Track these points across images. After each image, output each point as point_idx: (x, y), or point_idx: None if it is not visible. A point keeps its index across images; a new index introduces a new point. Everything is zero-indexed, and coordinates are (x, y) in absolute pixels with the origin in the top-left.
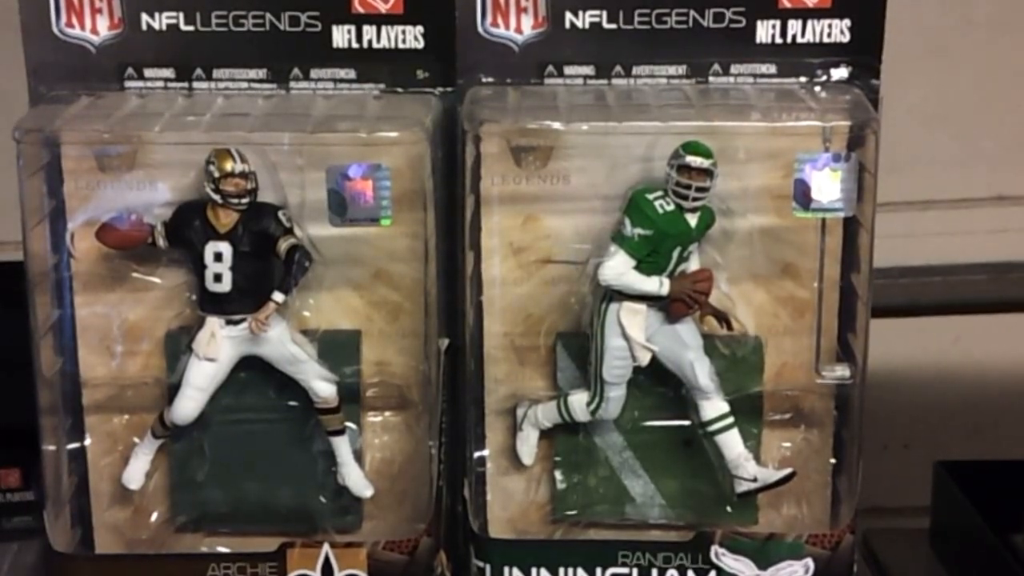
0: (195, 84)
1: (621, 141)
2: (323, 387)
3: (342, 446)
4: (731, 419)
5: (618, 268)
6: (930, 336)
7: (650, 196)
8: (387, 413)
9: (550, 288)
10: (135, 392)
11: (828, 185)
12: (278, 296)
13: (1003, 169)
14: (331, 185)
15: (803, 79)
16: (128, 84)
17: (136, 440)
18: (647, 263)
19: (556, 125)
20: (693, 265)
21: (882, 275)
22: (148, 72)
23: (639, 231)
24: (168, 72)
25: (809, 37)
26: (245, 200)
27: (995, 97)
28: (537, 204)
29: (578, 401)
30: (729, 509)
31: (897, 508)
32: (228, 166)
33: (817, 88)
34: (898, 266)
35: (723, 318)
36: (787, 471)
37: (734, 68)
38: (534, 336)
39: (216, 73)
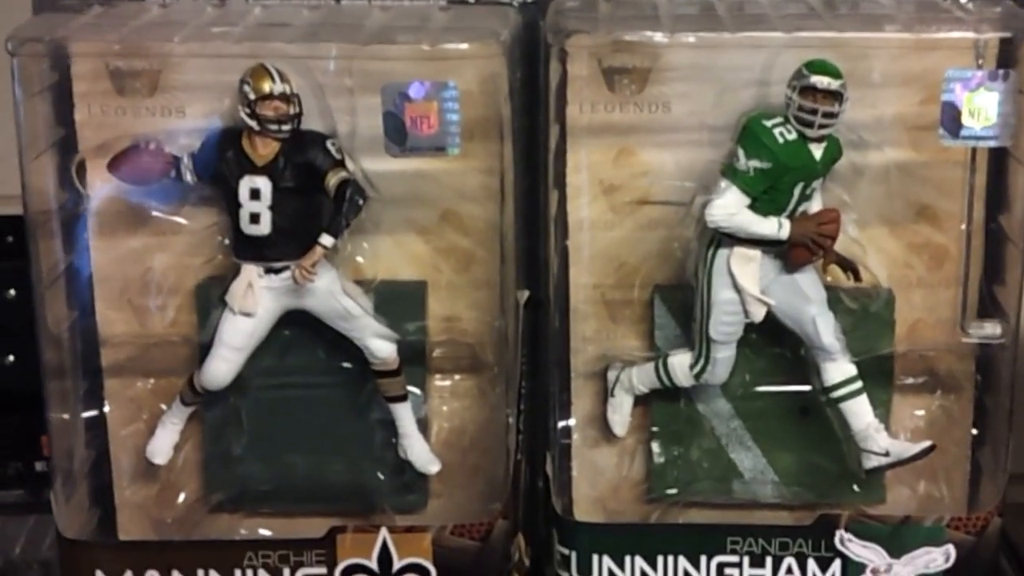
0: None
1: (731, 60)
2: (381, 346)
3: (404, 414)
4: (859, 383)
5: (730, 207)
6: None
7: (768, 123)
8: (457, 376)
9: (647, 233)
10: (161, 352)
11: (983, 108)
12: (326, 240)
13: None
14: (388, 107)
15: None
16: None
17: (163, 407)
18: (764, 202)
19: (657, 37)
20: (816, 205)
21: None
22: None
23: (755, 163)
24: None
25: None
26: (287, 127)
27: None
28: (632, 135)
29: (680, 363)
30: (856, 488)
31: None
32: (266, 86)
33: None
34: None
35: (850, 267)
36: (925, 444)
37: None
38: (628, 288)
39: None
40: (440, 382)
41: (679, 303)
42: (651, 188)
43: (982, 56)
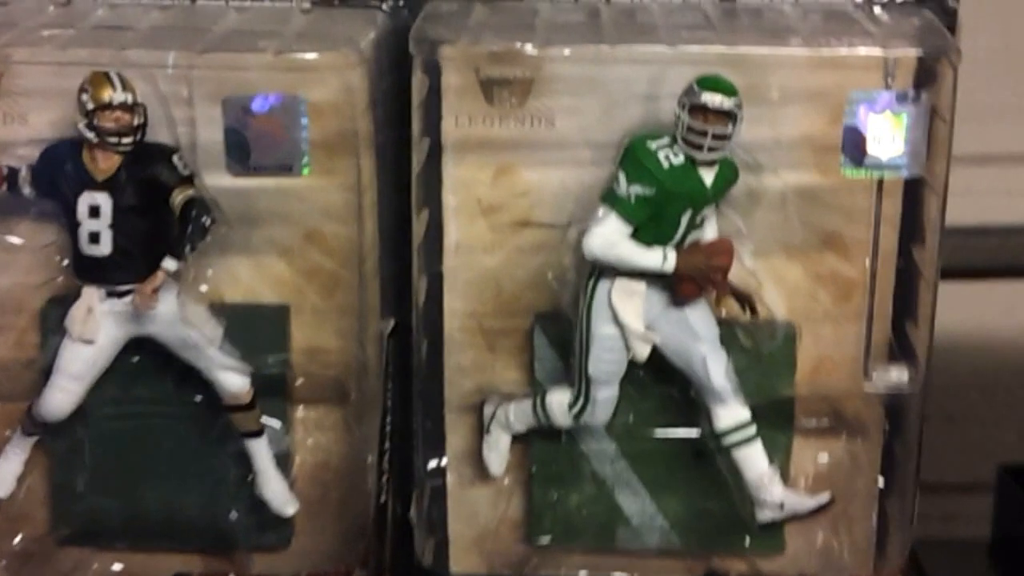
0: None
1: (620, 73)
2: (231, 380)
3: (259, 450)
4: (752, 429)
5: (608, 236)
6: None
7: (652, 144)
8: (322, 408)
9: (528, 257)
10: (6, 376)
11: (889, 134)
12: (169, 263)
13: None
14: (230, 122)
15: None
16: None
17: (8, 433)
18: (647, 230)
19: (530, 49)
20: (709, 234)
21: None
22: None
23: (637, 189)
24: None
25: None
26: (128, 139)
27: None
28: (513, 152)
29: (558, 401)
30: (751, 537)
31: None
32: (105, 95)
33: (877, 8)
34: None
35: (746, 301)
36: (823, 498)
37: None
38: (507, 317)
39: None
40: (304, 413)
41: (562, 334)
42: (533, 209)
43: (892, 74)
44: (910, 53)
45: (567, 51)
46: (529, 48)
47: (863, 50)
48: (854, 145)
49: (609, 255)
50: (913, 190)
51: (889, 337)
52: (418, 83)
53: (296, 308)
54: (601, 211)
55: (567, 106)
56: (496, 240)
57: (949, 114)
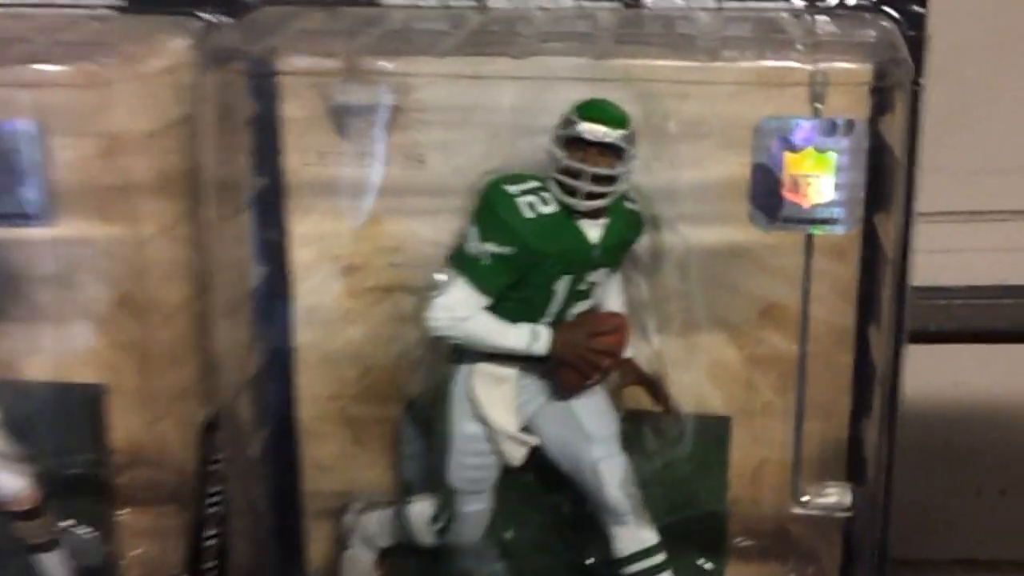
0: None
1: (504, 97)
2: (6, 481)
3: (52, 567)
4: (659, 557)
5: (456, 309)
6: None
7: (513, 189)
8: (152, 511)
9: (399, 329)
10: None
11: (813, 175)
12: None
13: None
14: None
15: (800, 2)
16: None
17: None
18: (512, 301)
19: (390, 64)
20: (612, 304)
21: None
22: None
23: (493, 248)
24: None
25: None
26: None
27: None
28: (376, 199)
29: (420, 514)
30: None
31: (991, 561)
32: None
33: (822, 17)
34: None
35: (657, 391)
36: None
37: None
38: (375, 402)
39: None
40: (128, 518)
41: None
42: (403, 269)
43: (820, 96)
44: (843, 67)
45: (436, 66)
46: (388, 64)
47: (775, 63)
48: (765, 191)
49: (460, 332)
50: (872, 253)
51: (844, 434)
52: (227, 105)
53: (115, 389)
54: (448, 276)
55: (440, 140)
56: (359, 308)
57: (906, 150)
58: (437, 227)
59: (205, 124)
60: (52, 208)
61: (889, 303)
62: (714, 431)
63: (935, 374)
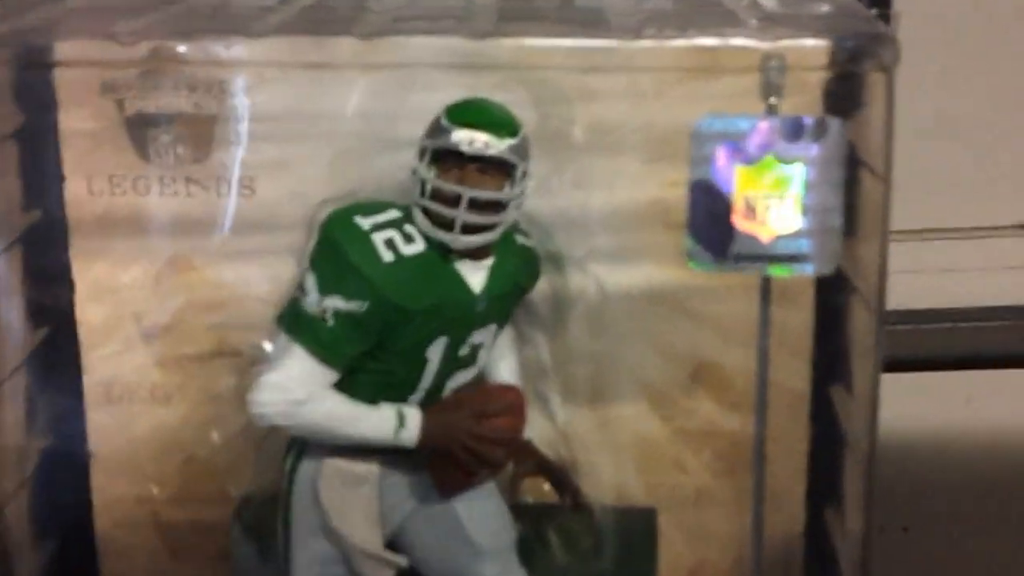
0: None
1: (343, 98)
2: None
3: None
4: None
5: (291, 389)
6: (936, 395)
7: (365, 223)
8: None
9: (226, 409)
10: None
11: (773, 197)
12: None
13: None
14: None
15: None
16: None
17: None
18: (370, 374)
19: (204, 49)
20: (503, 371)
21: None
22: None
23: (338, 304)
24: None
25: None
26: None
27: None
28: (190, 238)
29: None
30: None
31: None
32: None
33: None
34: (896, 309)
35: (564, 483)
36: None
37: None
38: (199, 505)
39: None
40: None
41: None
42: (228, 330)
43: (776, 86)
44: (805, 46)
45: (260, 51)
46: (200, 48)
47: (713, 42)
48: (709, 219)
49: (296, 421)
50: (833, 293)
51: (799, 528)
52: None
53: None
54: (280, 343)
55: (273, 160)
56: (172, 383)
57: (884, 158)
58: (271, 274)
59: None
60: None
61: (863, 355)
62: (638, 527)
63: None
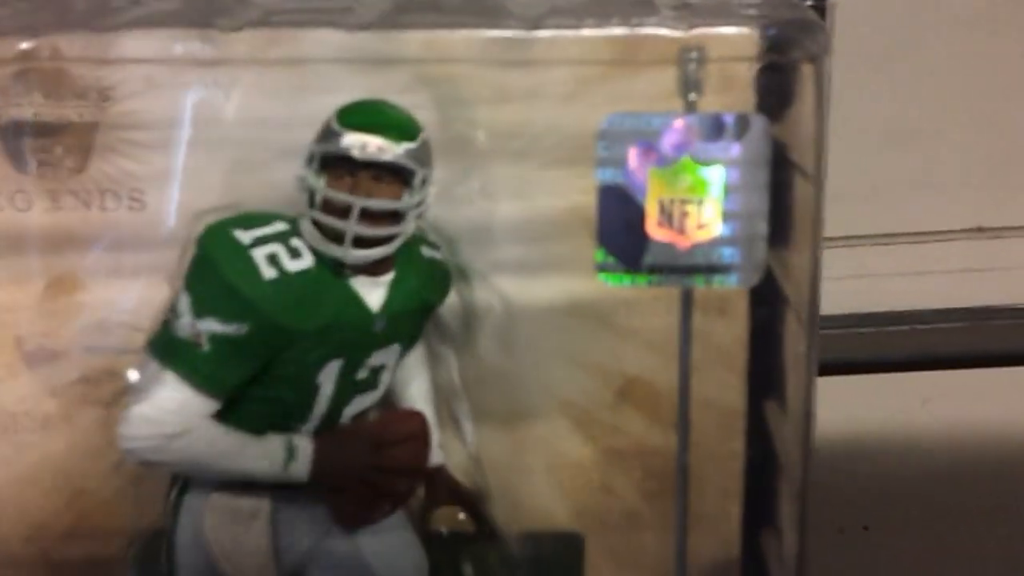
0: None
1: (232, 102)
2: None
3: None
4: None
5: (163, 421)
6: (895, 396)
7: (246, 236)
8: None
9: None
10: None
11: (691, 201)
12: None
13: (983, 195)
14: None
15: None
16: None
17: None
18: (257, 402)
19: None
20: (414, 393)
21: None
22: None
23: (214, 326)
24: None
25: None
26: None
27: (973, 107)
28: (75, 255)
29: None
30: None
31: None
32: None
33: None
34: (855, 313)
35: (474, 507)
36: None
37: None
38: (93, 541)
39: None
40: None
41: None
42: (119, 352)
43: (694, 82)
44: (732, 36)
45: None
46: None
47: (625, 31)
48: (620, 226)
49: (170, 457)
50: (768, 304)
51: (734, 553)
52: None
53: None
54: (150, 371)
55: (161, 169)
56: (60, 411)
57: (814, 158)
58: (158, 295)
59: None
60: None
61: (796, 370)
62: (562, 554)
63: None
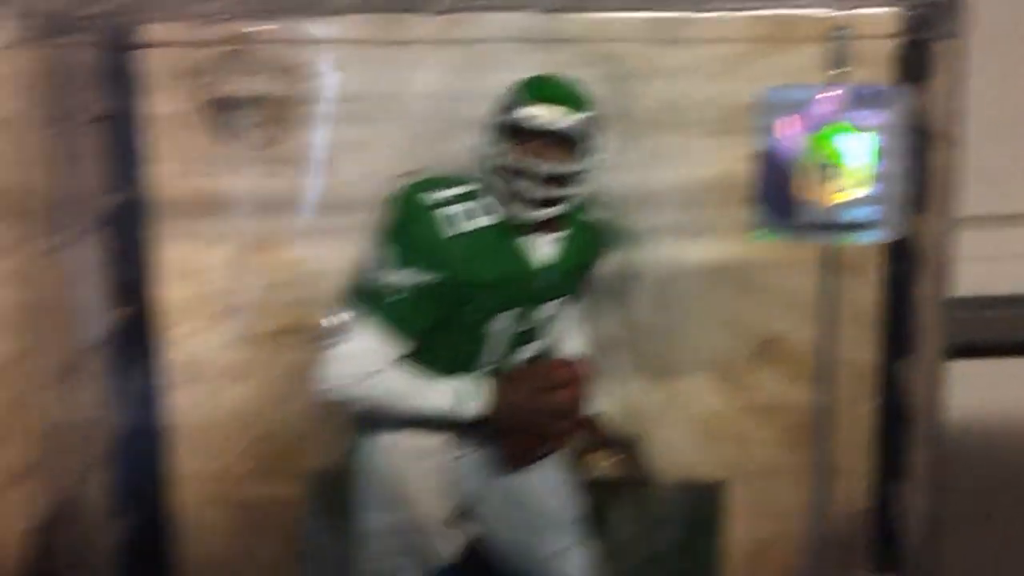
0: None
1: (433, 78)
2: None
3: None
4: None
5: (359, 363)
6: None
7: (434, 197)
8: None
9: (302, 384)
10: None
11: (838, 166)
12: None
13: None
14: None
15: None
16: None
17: None
18: (436, 349)
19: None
20: (570, 345)
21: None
22: None
23: (409, 277)
24: None
25: None
26: None
27: None
28: (269, 219)
29: None
30: None
31: None
32: None
33: None
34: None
35: (627, 453)
36: None
37: None
38: (273, 481)
39: None
40: None
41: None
42: (305, 308)
43: (841, 54)
44: (877, 15)
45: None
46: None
47: (780, 11)
48: (773, 188)
49: (363, 395)
50: (900, 264)
51: (863, 508)
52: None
53: None
54: (347, 318)
55: (351, 140)
56: (248, 360)
57: (955, 127)
58: (346, 253)
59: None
60: None
61: (929, 330)
62: (705, 502)
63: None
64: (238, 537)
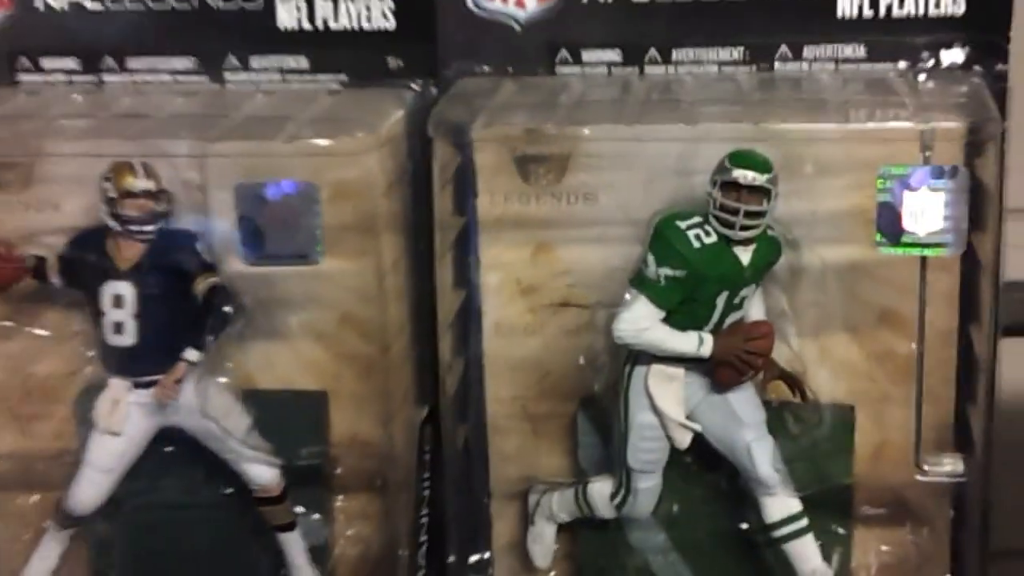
0: (105, 76)
1: (658, 148)
2: (259, 472)
3: (292, 545)
4: (803, 522)
5: (638, 321)
6: None
7: (682, 224)
8: (363, 497)
9: (571, 339)
10: (46, 466)
11: (927, 210)
12: (191, 354)
13: None
14: (243, 211)
15: (902, 64)
16: (22, 77)
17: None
18: (681, 314)
19: (561, 130)
20: (754, 314)
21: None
22: (45, 63)
23: (667, 271)
24: (70, 62)
25: (910, 9)
26: (150, 227)
27: None
28: (551, 230)
29: (599, 491)
30: None
31: None
32: (127, 182)
33: (922, 77)
34: None
35: (795, 384)
36: None
37: (808, 51)
38: (552, 400)
39: (131, 63)
40: (343, 503)
41: (606, 420)
42: (574, 289)
43: (929, 147)
44: (949, 125)
45: (597, 130)
46: (559, 129)
47: (894, 124)
48: (890, 222)
49: (641, 340)
50: (971, 265)
51: (950, 420)
52: (444, 162)
53: (333, 394)
54: (631, 295)
55: (605, 182)
56: (536, 321)
57: (996, 184)
58: (604, 254)
59: (416, 173)
60: (319, 249)
61: (987, 306)
62: (842, 417)
63: None
64: (528, 438)
